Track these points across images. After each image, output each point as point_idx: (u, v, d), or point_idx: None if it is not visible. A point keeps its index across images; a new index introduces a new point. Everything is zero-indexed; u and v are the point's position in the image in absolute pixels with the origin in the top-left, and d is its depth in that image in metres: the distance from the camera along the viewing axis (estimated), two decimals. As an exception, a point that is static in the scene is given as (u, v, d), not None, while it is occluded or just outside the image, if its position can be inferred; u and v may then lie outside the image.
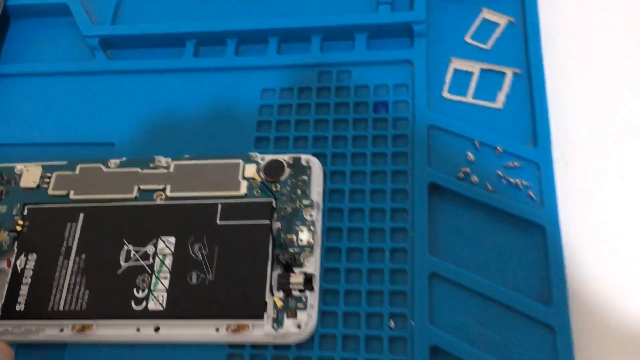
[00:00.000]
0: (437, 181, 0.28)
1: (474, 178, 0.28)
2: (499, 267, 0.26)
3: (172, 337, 0.27)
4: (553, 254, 0.26)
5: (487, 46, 0.31)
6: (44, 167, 0.31)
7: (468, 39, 0.31)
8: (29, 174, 0.31)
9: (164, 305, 0.27)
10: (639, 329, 0.25)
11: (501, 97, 0.30)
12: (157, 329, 0.27)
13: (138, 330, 0.27)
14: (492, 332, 0.25)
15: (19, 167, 0.31)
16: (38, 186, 0.30)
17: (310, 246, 0.27)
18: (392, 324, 0.26)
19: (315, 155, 0.29)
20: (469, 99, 0.30)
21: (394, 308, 0.26)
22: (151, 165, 0.30)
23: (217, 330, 0.26)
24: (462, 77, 0.31)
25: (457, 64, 0.31)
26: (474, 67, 0.31)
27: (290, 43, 0.33)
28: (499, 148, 0.28)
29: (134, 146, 0.32)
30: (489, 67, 0.30)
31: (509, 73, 0.30)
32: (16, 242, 0.29)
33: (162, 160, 0.30)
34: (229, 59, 0.33)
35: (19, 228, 0.29)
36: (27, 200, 0.30)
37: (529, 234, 0.27)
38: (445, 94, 0.30)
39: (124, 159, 0.30)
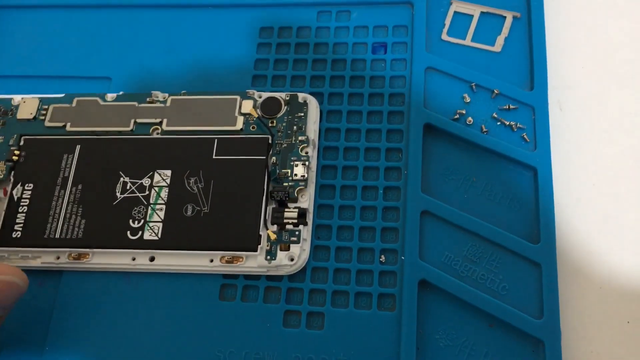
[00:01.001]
0: (432, 122, 0.28)
1: (469, 119, 0.28)
2: (489, 207, 0.27)
3: (167, 267, 0.27)
4: (543, 195, 0.26)
5: (488, -10, 0.31)
6: (41, 100, 0.31)
7: (469, -18, 0.31)
8: (26, 106, 0.31)
9: (159, 235, 0.27)
10: (622, 272, 0.26)
11: (500, 41, 0.30)
12: (152, 259, 0.27)
13: (133, 259, 0.27)
14: (480, 268, 0.26)
15: (16, 98, 0.31)
16: (35, 118, 0.31)
17: (304, 180, 0.27)
18: (382, 258, 0.26)
19: (312, 94, 0.29)
20: (467, 42, 0.30)
21: (386, 244, 0.26)
22: (148, 99, 0.30)
23: (212, 261, 0.27)
24: (461, 20, 0.31)
25: (457, 6, 0.31)
26: (474, 10, 0.30)
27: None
28: (495, 91, 0.28)
29: (130, 82, 0.32)
30: (489, 10, 0.30)
31: (509, 17, 0.30)
32: (12, 172, 0.29)
33: (159, 95, 0.30)
34: (227, -4, 0.33)
35: (15, 158, 0.29)
36: (23, 131, 0.30)
37: (521, 176, 0.27)
38: (445, 37, 0.30)
39: (120, 93, 0.30)
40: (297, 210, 0.27)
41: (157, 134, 0.29)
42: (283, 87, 0.30)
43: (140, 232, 0.27)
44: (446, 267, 0.26)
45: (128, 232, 0.27)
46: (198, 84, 0.31)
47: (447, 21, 0.30)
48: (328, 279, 0.26)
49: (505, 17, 0.30)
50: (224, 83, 0.31)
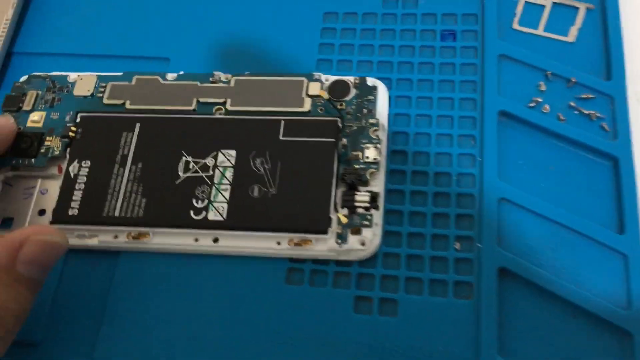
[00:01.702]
0: (507, 109, 0.27)
1: (546, 107, 0.27)
2: (569, 196, 0.26)
3: (231, 249, 0.26)
4: (626, 185, 0.25)
5: (560, -20, 0.30)
6: (98, 77, 0.30)
7: (540, -28, 0.31)
8: (83, 83, 0.30)
9: (225, 216, 0.26)
10: None
11: (574, 31, 0.29)
12: (216, 240, 0.26)
13: (196, 240, 0.26)
14: (562, 257, 0.25)
15: (72, 75, 0.30)
16: (92, 95, 0.30)
17: (376, 163, 0.26)
18: (458, 245, 0.25)
19: (379, 79, 0.29)
20: (540, 31, 0.29)
21: (460, 231, 0.26)
22: (210, 79, 0.29)
23: (279, 243, 0.26)
24: (533, 10, 0.30)
25: (527, -4, 0.30)
26: (546, 1, 0.30)
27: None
28: (572, 79, 0.28)
29: (190, 62, 0.31)
30: (561, 1, 0.30)
31: (582, 8, 0.29)
32: (69, 149, 0.28)
33: (222, 76, 0.29)
34: (291, -19, 0.32)
35: (71, 134, 0.28)
36: (80, 108, 0.29)
37: (601, 165, 0.26)
38: (516, 26, 0.30)
39: (181, 72, 0.30)
40: (369, 193, 0.26)
41: (221, 114, 0.28)
42: (349, 71, 0.30)
43: (204, 212, 0.26)
44: (526, 256, 0.25)
45: (191, 212, 0.26)
46: (260, 66, 0.30)
47: (518, 10, 0.30)
48: (401, 266, 0.25)
49: (578, 8, 0.29)
50: (287, 66, 0.30)
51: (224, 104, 0.29)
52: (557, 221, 0.25)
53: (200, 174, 0.27)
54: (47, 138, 0.29)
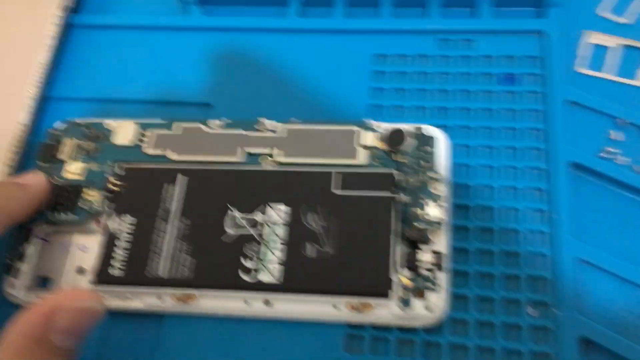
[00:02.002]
0: (578, 160, 0.26)
1: (619, 158, 0.25)
2: (651, 256, 0.24)
3: (285, 313, 0.24)
4: None
5: (624, 20, 0.28)
6: (139, 125, 0.29)
7: (602, 12, 0.29)
8: (122, 131, 0.29)
9: (277, 277, 0.24)
10: None
11: (642, 74, 0.27)
12: (267, 303, 0.24)
13: (247, 303, 0.24)
14: (651, 326, 0.23)
15: (110, 122, 0.29)
16: (132, 144, 0.28)
17: (439, 222, 0.24)
18: (532, 311, 0.23)
19: (435, 126, 0.27)
20: (605, 74, 0.28)
21: (534, 294, 0.24)
22: (256, 127, 0.28)
23: (336, 307, 0.24)
24: (597, 52, 0.28)
25: (591, 37, 0.28)
26: (610, 41, 0.28)
27: (404, 7, 0.31)
28: (645, 127, 0.26)
29: (232, 108, 0.30)
30: (627, 43, 0.28)
31: (650, 49, 0.28)
32: (109, 203, 0.27)
33: (267, 124, 0.28)
34: (338, 21, 0.31)
35: (112, 187, 0.27)
36: (120, 158, 0.28)
37: (684, 221, 0.24)
38: (580, 69, 0.28)
39: (225, 119, 0.28)
40: (432, 253, 0.24)
41: (267, 164, 0.27)
42: (402, 118, 0.28)
43: (254, 273, 0.24)
44: (610, 324, 0.23)
45: (241, 272, 0.24)
46: (306, 112, 0.29)
47: (581, 52, 0.28)
48: (470, 333, 0.23)
49: (645, 50, 0.28)
50: (336, 111, 0.29)
51: (271, 154, 0.27)
52: (640, 284, 0.23)
53: (249, 230, 0.25)
54: (87, 191, 0.27)
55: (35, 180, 0.26)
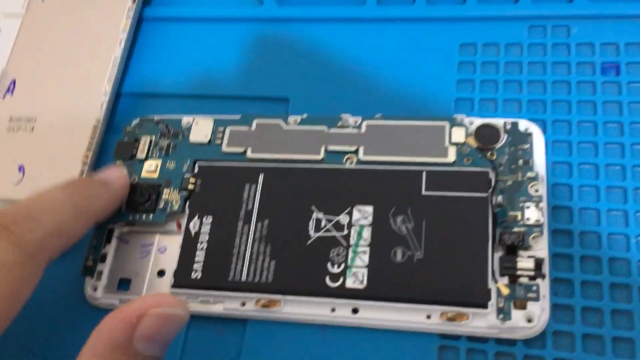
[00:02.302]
0: (696, 158, 0.23)
1: None
2: None
3: (373, 322, 0.23)
4: None
5: None
6: (215, 121, 0.28)
7: None
8: (199, 128, 0.28)
9: (365, 283, 0.23)
10: None
11: None
12: (355, 311, 0.23)
13: (333, 310, 0.23)
14: None
15: (186, 119, 0.28)
16: (210, 141, 0.27)
17: (539, 225, 0.23)
18: (644, 324, 0.21)
19: (531, 121, 0.25)
20: None
21: (647, 306, 0.22)
22: (338, 124, 0.26)
23: (429, 317, 0.22)
24: None
25: None
26: None
27: (493, -8, 0.29)
28: None
29: (310, 103, 0.28)
30: None
31: None
32: (188, 202, 0.26)
33: (350, 119, 0.26)
34: (420, 8, 0.29)
35: (191, 187, 0.26)
36: (198, 156, 0.27)
37: None
38: (693, 56, 0.25)
39: (304, 115, 0.27)
40: (532, 259, 0.22)
41: (352, 163, 0.25)
42: (494, 112, 0.26)
43: (341, 279, 0.23)
44: None
45: (327, 278, 0.23)
46: (390, 107, 0.27)
47: (695, 38, 0.25)
48: (575, 347, 0.21)
49: None
50: (421, 106, 0.27)
51: (355, 152, 0.26)
52: None
53: (334, 233, 0.24)
54: (165, 190, 0.26)
55: (117, 175, 0.26)
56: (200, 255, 0.25)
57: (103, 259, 0.26)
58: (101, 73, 0.30)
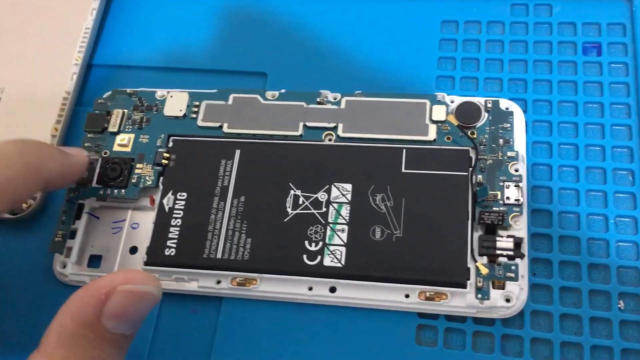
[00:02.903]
0: (673, 139, 0.23)
1: None
2: None
3: (351, 301, 0.23)
4: None
5: None
6: (190, 95, 0.27)
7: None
8: (174, 101, 0.27)
9: (343, 262, 0.23)
10: None
11: None
12: (333, 290, 0.23)
13: (310, 289, 0.23)
14: None
15: (161, 92, 0.27)
16: (185, 115, 0.26)
17: (518, 205, 0.22)
18: (621, 304, 0.21)
19: (512, 100, 0.25)
20: (703, 44, 0.25)
21: (624, 286, 0.22)
22: (317, 100, 0.26)
23: (407, 296, 0.22)
24: (692, 19, 0.25)
25: (686, 2, 0.26)
26: None
27: (476, -31, 0.28)
28: None
29: (289, 78, 0.28)
30: None
31: None
32: (162, 178, 0.25)
33: (329, 95, 0.26)
34: (403, -16, 0.28)
35: (164, 162, 0.25)
36: (172, 130, 0.26)
37: None
38: (674, 38, 0.25)
39: (283, 90, 0.26)
40: (512, 239, 0.22)
41: (331, 140, 0.25)
42: (475, 90, 0.26)
43: (319, 257, 0.23)
44: None
45: (304, 257, 0.23)
46: (370, 84, 0.27)
47: (676, 19, 0.25)
48: (553, 327, 0.21)
49: None
50: (402, 83, 0.27)
51: (334, 129, 0.25)
52: None
53: (312, 210, 0.24)
54: (138, 165, 0.25)
55: (77, 151, 0.24)
56: (174, 232, 0.24)
57: (73, 235, 0.25)
58: (72, 43, 0.29)
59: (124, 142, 0.26)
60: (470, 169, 0.23)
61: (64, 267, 0.25)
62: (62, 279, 0.25)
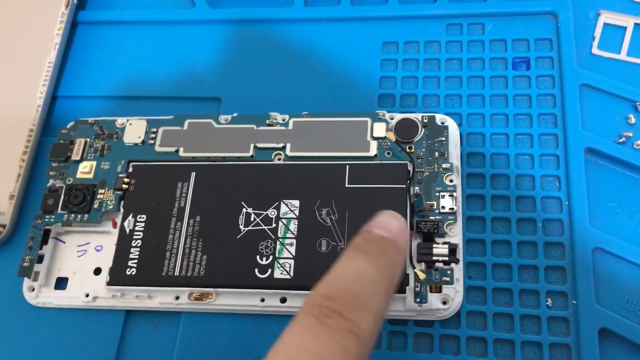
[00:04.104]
0: (594, 146, 0.25)
1: (638, 143, 0.25)
2: (671, 243, 0.23)
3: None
4: None
5: (641, -2, 0.28)
6: (148, 122, 0.28)
7: (618, -10, 0.28)
8: (133, 129, 0.28)
9: (292, 274, 0.24)
10: None
11: (661, 55, 0.26)
12: (283, 300, 0.24)
13: (262, 300, 0.24)
14: (670, 315, 0.22)
15: (121, 120, 0.29)
16: (143, 142, 0.28)
17: (453, 214, 0.24)
18: (549, 302, 0.23)
19: (448, 115, 0.26)
20: (622, 56, 0.27)
21: (551, 285, 0.23)
22: (267, 122, 0.27)
23: None
24: (613, 32, 0.27)
25: (606, 17, 0.28)
26: (627, 21, 0.27)
27: (413, -8, 0.30)
28: (665, 111, 0.25)
29: (242, 102, 0.29)
30: (644, 22, 0.27)
31: (668, 28, 0.27)
32: (122, 202, 0.27)
33: (279, 117, 0.27)
34: (345, 9, 0.30)
35: (124, 187, 0.27)
36: (132, 156, 0.28)
37: None
38: (595, 51, 0.27)
39: (235, 114, 0.28)
40: (447, 245, 0.24)
41: (280, 159, 0.27)
42: (414, 107, 0.28)
43: (269, 270, 0.24)
44: (629, 313, 0.23)
45: (256, 270, 0.24)
46: (317, 104, 0.28)
47: (597, 33, 0.27)
48: (487, 326, 0.23)
49: (664, 28, 0.27)
50: (347, 102, 0.28)
51: (283, 148, 0.27)
52: (660, 273, 0.23)
53: (263, 227, 0.25)
54: (100, 190, 0.27)
55: (400, 229, 0.20)
56: (134, 253, 0.26)
57: (41, 259, 0.26)
58: (36, 77, 0.31)
59: (86, 169, 0.28)
60: (408, 181, 0.25)
61: (32, 290, 0.26)
62: (31, 301, 0.26)
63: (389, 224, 0.20)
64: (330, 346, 0.16)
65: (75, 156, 0.28)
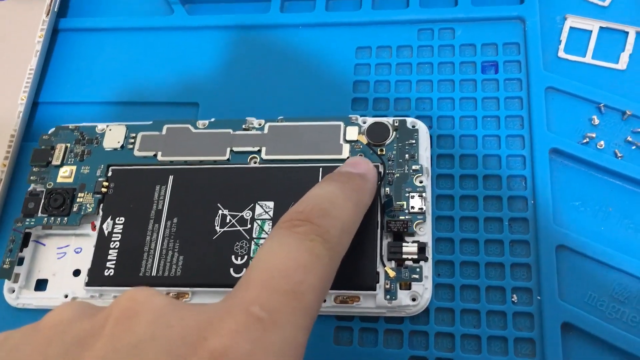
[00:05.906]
0: (559, 147, 0.26)
1: (600, 143, 0.26)
2: (630, 240, 0.24)
3: (275, 308, 0.25)
4: (695, 227, 0.23)
5: (605, 3, 0.28)
6: (128, 127, 0.29)
7: (583, -5, 0.29)
8: (112, 134, 0.29)
9: (266, 273, 0.25)
10: None
11: (624, 58, 0.27)
12: (258, 299, 0.25)
13: (238, 299, 0.25)
14: (630, 309, 0.23)
15: (101, 126, 0.29)
16: (122, 146, 0.29)
17: (422, 213, 0.25)
18: (515, 298, 0.24)
19: (419, 118, 0.27)
20: (588, 59, 0.28)
21: (517, 282, 0.24)
22: (243, 126, 0.28)
23: (325, 300, 0.24)
24: (579, 36, 0.28)
25: (573, 21, 0.28)
26: (592, 25, 0.28)
27: (386, -1, 0.31)
28: (627, 112, 0.26)
29: (219, 107, 0.30)
30: (608, 26, 0.28)
31: (631, 32, 0.28)
32: (101, 205, 0.27)
33: (255, 122, 0.28)
34: (320, 14, 0.31)
35: (104, 190, 0.27)
36: (111, 161, 0.28)
37: (665, 205, 0.25)
38: (562, 54, 0.28)
39: (212, 119, 0.28)
40: (416, 244, 0.24)
41: (255, 163, 0.27)
42: (386, 110, 0.28)
43: (244, 270, 0.25)
44: (591, 308, 0.23)
45: (231, 270, 0.25)
46: (293, 108, 0.29)
47: (563, 37, 0.28)
48: (455, 321, 0.24)
49: (627, 33, 0.28)
50: (321, 106, 0.29)
51: (258, 152, 0.27)
52: (621, 269, 0.23)
53: (238, 228, 0.26)
54: (79, 194, 0.28)
55: (368, 166, 0.24)
56: (113, 254, 0.26)
57: (21, 261, 0.27)
58: (18, 83, 0.31)
59: (66, 174, 0.28)
60: (379, 182, 0.26)
61: (12, 292, 0.27)
62: (11, 302, 0.27)
63: (358, 163, 0.23)
64: (299, 249, 0.18)
65: (56, 161, 0.29)
